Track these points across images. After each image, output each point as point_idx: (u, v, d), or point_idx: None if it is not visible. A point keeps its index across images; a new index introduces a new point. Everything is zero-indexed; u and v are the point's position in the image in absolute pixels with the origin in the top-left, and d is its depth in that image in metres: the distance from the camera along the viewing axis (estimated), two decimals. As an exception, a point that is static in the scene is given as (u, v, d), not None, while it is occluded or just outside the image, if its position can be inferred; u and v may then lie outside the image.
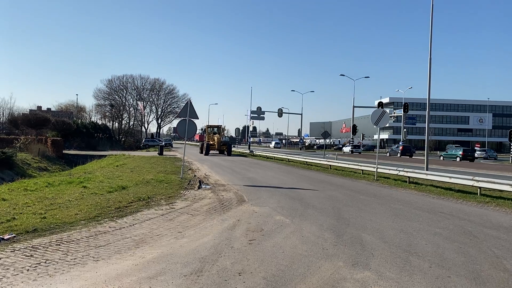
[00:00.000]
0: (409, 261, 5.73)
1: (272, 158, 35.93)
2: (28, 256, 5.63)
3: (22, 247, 6.05)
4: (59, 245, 6.22)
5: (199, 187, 13.76)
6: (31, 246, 6.12)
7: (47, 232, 7.06)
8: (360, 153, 58.45)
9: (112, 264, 5.42)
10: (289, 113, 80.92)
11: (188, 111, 16.07)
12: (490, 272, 5.30)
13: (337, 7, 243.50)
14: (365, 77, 74.96)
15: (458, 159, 43.50)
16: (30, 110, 72.68)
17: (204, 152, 39.31)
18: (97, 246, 6.23)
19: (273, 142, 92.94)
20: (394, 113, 67.50)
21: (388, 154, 55.12)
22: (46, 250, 5.92)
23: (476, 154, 48.37)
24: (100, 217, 8.46)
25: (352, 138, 65.00)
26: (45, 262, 5.39)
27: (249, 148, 59.21)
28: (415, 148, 75.04)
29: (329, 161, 25.67)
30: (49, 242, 6.34)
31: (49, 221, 7.86)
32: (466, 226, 8.24)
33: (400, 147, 55.36)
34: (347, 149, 64.30)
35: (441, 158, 47.31)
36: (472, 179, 13.39)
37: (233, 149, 47.00)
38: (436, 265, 5.54)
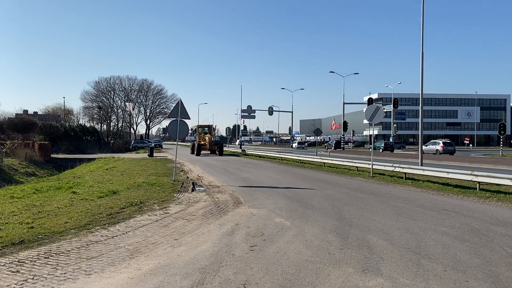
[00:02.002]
0: (422, 264, 5.43)
1: (265, 157, 35.60)
2: (14, 272, 5.20)
3: (8, 262, 5.61)
4: (48, 258, 5.80)
5: (193, 190, 13.37)
6: (17, 260, 5.69)
7: (35, 243, 6.62)
8: (304, 147, 71.75)
9: (105, 278, 5.02)
10: (279, 111, 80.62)
11: (179, 111, 15.65)
12: (509, 275, 5.01)
13: (326, 4, 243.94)
14: (355, 74, 74.95)
15: (380, 150, 54.18)
16: (16, 114, 71.08)
17: (195, 153, 38.68)
18: (89, 258, 5.83)
19: (238, 141, 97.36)
20: (384, 108, 67.49)
21: (326, 148, 64.25)
22: (33, 265, 5.50)
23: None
24: (91, 225, 8.03)
25: (343, 135, 64.95)
26: (32, 278, 4.98)
27: (240, 147, 58.86)
28: (405, 143, 75.68)
29: (322, 159, 25.40)
30: (37, 255, 5.92)
31: (37, 231, 7.41)
32: (472, 224, 7.98)
33: (334, 142, 67.62)
34: (294, 144, 77.81)
35: (370, 149, 54.83)
36: (470, 174, 13.19)
37: (224, 148, 46.53)
38: (451, 268, 5.24)
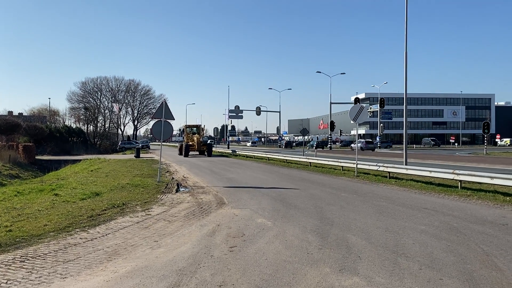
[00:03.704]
0: (398, 263, 5.48)
1: (252, 157, 35.62)
2: (-12, 276, 5.13)
3: (-18, 266, 5.53)
4: (24, 261, 5.73)
5: (177, 191, 13.32)
6: (-9, 264, 5.61)
7: (11, 247, 6.52)
8: (256, 146, 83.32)
9: (81, 281, 4.98)
10: (267, 111, 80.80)
11: (164, 112, 15.58)
12: (483, 272, 5.08)
13: (313, 4, 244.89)
14: (341, 74, 75.38)
15: (313, 147, 62.21)
16: (0, 116, 70.19)
17: (183, 154, 37.75)
18: (66, 261, 5.77)
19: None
20: (371, 108, 68.06)
21: (279, 147, 75.81)
22: (8, 269, 5.42)
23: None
24: (71, 227, 7.95)
25: (330, 134, 65.28)
26: (6, 282, 4.91)
27: (228, 147, 58.70)
28: (392, 142, 76.39)
29: (309, 158, 25.49)
30: (12, 259, 5.84)
31: (15, 234, 7.32)
32: (451, 222, 8.08)
33: (284, 142, 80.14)
34: (248, 144, 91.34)
35: (307, 148, 66.87)
36: (452, 173, 13.34)
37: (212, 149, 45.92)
38: (426, 267, 5.30)
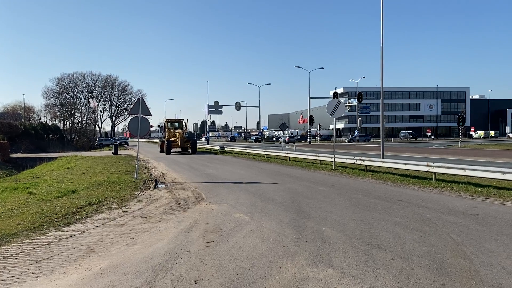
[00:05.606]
0: (372, 254, 5.59)
1: (232, 153, 35.60)
2: (-43, 277, 5.01)
3: (-49, 267, 5.40)
4: (-5, 261, 5.62)
5: (155, 187, 13.22)
6: (-39, 265, 5.48)
7: (-18, 247, 6.38)
8: (207, 140, 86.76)
9: (54, 280, 4.91)
10: (247, 106, 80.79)
11: (140, 108, 15.42)
12: (452, 261, 5.23)
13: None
14: (320, 68, 75.90)
15: (253, 141, 72.53)
16: (-28, 113, 68.12)
17: (165, 151, 34.78)
18: (39, 260, 5.68)
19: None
20: (349, 102, 68.94)
21: (225, 141, 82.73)
22: (-21, 269, 5.31)
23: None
24: (45, 225, 7.81)
25: (310, 129, 65.72)
26: (-24, 283, 4.81)
27: (208, 143, 58.36)
28: (370, 136, 77.40)
29: (288, 153, 25.63)
30: (-17, 259, 5.72)
31: (-14, 234, 7.15)
32: (424, 214, 8.27)
33: (229, 137, 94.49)
34: (203, 139, 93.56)
35: (249, 142, 76.44)
36: (427, 165, 13.64)
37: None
38: (399, 257, 5.43)
